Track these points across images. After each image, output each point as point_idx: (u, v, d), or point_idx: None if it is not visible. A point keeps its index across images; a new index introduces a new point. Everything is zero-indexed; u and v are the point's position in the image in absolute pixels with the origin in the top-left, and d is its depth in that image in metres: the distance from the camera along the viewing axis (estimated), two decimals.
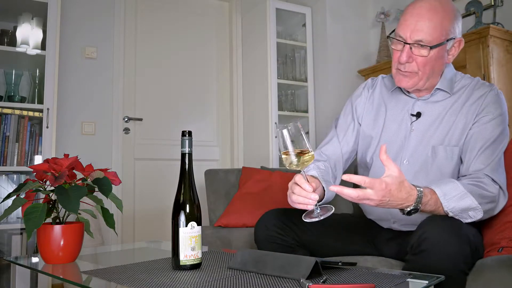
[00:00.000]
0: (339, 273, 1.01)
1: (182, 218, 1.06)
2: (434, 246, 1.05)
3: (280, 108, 3.29)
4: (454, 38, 1.28)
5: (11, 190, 1.63)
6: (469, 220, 1.16)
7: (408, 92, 1.40)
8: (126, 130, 3.23)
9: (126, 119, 3.22)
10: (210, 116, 3.61)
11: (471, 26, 2.46)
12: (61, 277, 1.12)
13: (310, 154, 1.08)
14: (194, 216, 1.08)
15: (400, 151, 1.37)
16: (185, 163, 1.11)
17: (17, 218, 2.44)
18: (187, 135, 1.11)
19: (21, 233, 2.42)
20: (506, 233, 1.22)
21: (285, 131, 1.07)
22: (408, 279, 0.95)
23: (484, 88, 1.33)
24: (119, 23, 3.23)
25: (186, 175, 1.11)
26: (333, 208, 1.12)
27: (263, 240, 1.38)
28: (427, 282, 0.93)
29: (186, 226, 1.06)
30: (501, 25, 2.37)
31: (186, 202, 1.08)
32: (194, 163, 1.13)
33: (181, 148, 1.11)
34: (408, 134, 1.37)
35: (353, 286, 0.89)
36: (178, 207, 1.08)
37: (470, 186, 1.17)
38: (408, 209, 1.10)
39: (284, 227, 1.38)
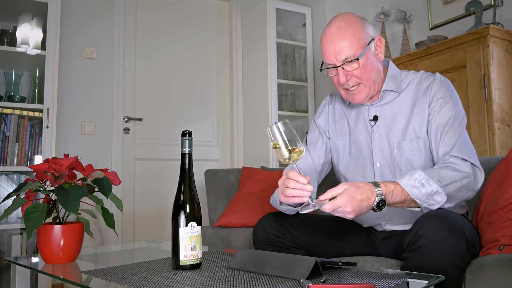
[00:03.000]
0: (339, 273, 1.01)
1: (182, 218, 1.06)
2: (430, 242, 1.06)
3: (280, 108, 3.28)
4: (373, 40, 1.37)
5: (11, 190, 1.63)
6: (437, 206, 1.17)
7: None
8: (126, 130, 3.23)
9: (126, 119, 3.22)
10: (210, 116, 3.61)
11: (471, 26, 2.46)
12: (61, 277, 1.12)
13: (300, 148, 1.15)
14: (194, 216, 1.08)
15: (371, 156, 1.42)
16: (185, 163, 1.11)
17: (17, 218, 2.44)
18: (187, 135, 1.11)
19: (21, 233, 2.42)
20: (507, 230, 1.21)
21: (274, 127, 1.14)
22: (408, 279, 0.95)
23: (429, 79, 1.40)
24: (119, 23, 3.23)
25: (186, 175, 1.11)
26: (327, 200, 1.16)
27: (262, 243, 1.39)
28: (427, 282, 0.93)
29: (186, 226, 1.06)
30: (501, 25, 2.37)
31: (186, 202, 1.08)
32: (194, 163, 1.13)
33: (181, 148, 1.11)
34: (372, 139, 1.42)
35: (353, 286, 0.89)
36: (178, 207, 1.08)
37: (438, 170, 1.20)
38: (375, 202, 1.13)
39: (283, 230, 1.40)
